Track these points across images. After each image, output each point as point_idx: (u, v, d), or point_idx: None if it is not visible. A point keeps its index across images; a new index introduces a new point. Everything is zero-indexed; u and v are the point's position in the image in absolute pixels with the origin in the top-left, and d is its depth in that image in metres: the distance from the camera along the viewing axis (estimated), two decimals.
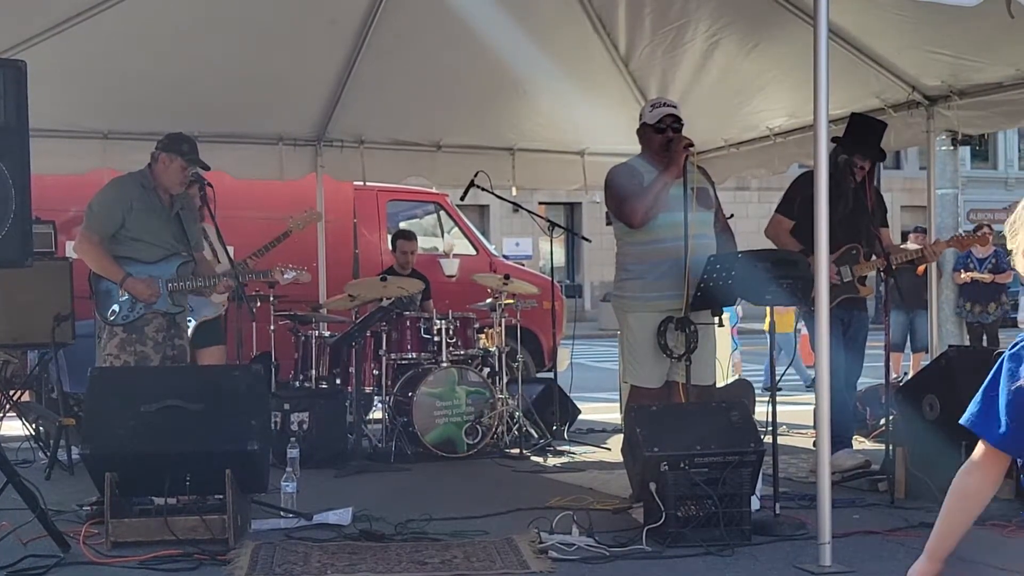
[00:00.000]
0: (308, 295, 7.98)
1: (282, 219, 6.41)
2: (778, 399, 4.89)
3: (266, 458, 4.74)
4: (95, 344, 5.60)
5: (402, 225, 9.90)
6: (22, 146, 4.24)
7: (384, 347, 7.02)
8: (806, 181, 5.20)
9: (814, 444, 4.69)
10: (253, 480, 4.57)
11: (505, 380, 7.28)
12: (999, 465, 1.84)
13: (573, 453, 7.05)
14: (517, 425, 7.20)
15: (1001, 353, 1.83)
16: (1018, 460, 1.82)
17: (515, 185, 8.81)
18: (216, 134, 7.66)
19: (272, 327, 7.44)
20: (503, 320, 7.37)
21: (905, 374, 9.70)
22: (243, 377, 4.66)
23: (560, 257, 25.58)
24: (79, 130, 7.38)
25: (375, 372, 7.06)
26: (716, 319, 5.23)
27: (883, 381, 5.81)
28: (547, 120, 8.28)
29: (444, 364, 6.95)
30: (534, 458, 6.84)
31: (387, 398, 7.01)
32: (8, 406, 6.63)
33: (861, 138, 5.91)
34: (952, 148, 11.09)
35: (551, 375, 8.24)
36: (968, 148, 27.34)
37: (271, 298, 7.28)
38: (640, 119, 5.36)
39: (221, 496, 4.40)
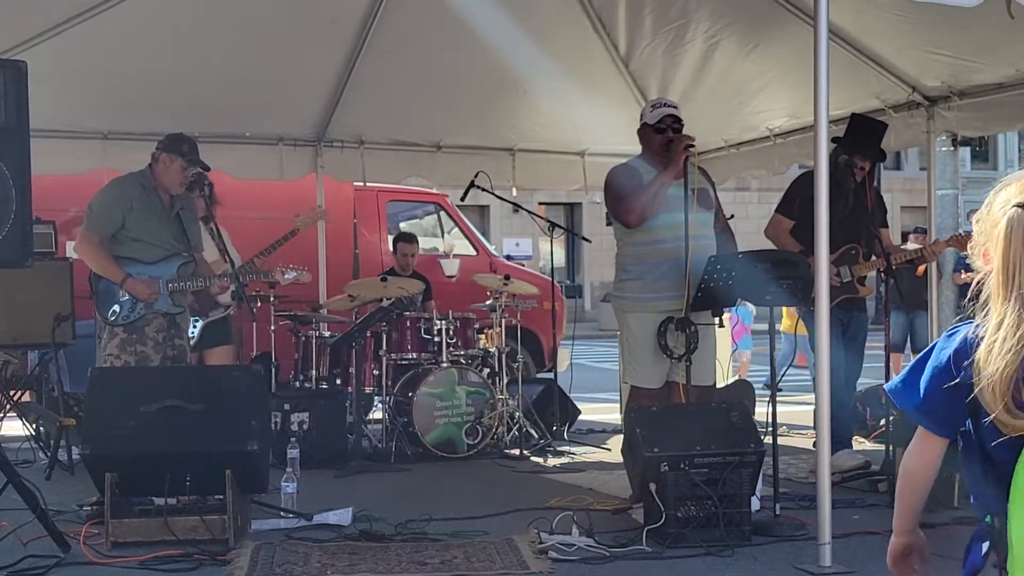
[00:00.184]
0: (308, 295, 7.98)
1: (281, 219, 6.42)
2: (778, 399, 4.89)
3: (266, 458, 4.74)
4: (95, 344, 5.61)
5: (402, 226, 9.91)
6: (22, 146, 4.24)
7: (384, 347, 7.02)
8: (806, 181, 5.20)
9: (814, 444, 4.69)
10: (253, 480, 4.57)
11: (505, 380, 7.28)
12: (934, 445, 1.88)
13: (573, 453, 7.05)
14: (517, 425, 7.20)
15: None
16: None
17: (515, 185, 8.80)
18: (216, 134, 7.65)
19: (272, 327, 7.43)
20: (503, 320, 7.37)
21: None
22: (243, 377, 4.66)
23: (560, 257, 25.58)
24: (79, 130, 7.37)
25: (375, 372, 7.06)
26: (716, 319, 5.23)
27: (883, 381, 5.81)
28: (547, 120, 8.28)
29: (444, 364, 6.95)
30: (534, 458, 6.84)
31: (387, 398, 7.01)
32: (8, 406, 6.63)
33: (861, 138, 5.91)
34: (952, 149, 11.10)
35: (551, 375, 8.24)
36: (968, 149, 27.39)
37: (271, 298, 7.27)
38: (641, 119, 5.37)
39: (221, 496, 4.40)
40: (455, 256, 10.07)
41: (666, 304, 5.07)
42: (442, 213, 10.59)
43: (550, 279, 9.37)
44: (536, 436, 7.34)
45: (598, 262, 24.27)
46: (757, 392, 7.81)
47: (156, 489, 4.42)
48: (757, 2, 6.26)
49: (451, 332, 7.03)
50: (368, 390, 7.13)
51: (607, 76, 7.62)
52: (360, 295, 7.29)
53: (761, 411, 5.99)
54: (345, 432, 6.77)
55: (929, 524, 1.93)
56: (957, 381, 1.73)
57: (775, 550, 4.32)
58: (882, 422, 6.18)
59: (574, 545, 4.33)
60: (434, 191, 10.16)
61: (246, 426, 4.44)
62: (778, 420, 4.88)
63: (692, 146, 5.08)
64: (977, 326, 1.72)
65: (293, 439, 5.71)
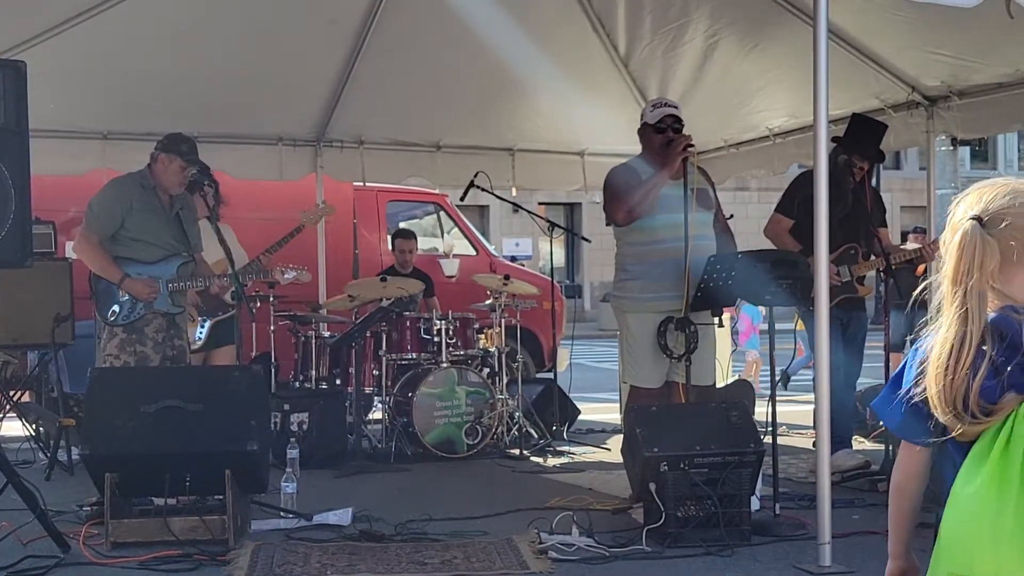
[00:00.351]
0: (308, 295, 7.98)
1: (281, 220, 6.42)
2: (778, 399, 4.89)
3: (266, 458, 4.74)
4: (95, 344, 5.61)
5: (401, 225, 9.91)
6: (22, 146, 4.24)
7: (384, 347, 7.02)
8: (805, 181, 5.20)
9: (814, 444, 4.68)
10: (253, 480, 4.57)
11: (505, 380, 7.28)
12: (914, 455, 1.90)
13: (573, 453, 7.05)
14: (517, 425, 7.19)
15: None
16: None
17: (515, 185, 8.81)
18: (216, 134, 7.66)
19: (272, 327, 7.43)
20: (503, 320, 7.37)
21: None
22: (243, 377, 4.66)
23: (560, 257, 25.58)
24: (79, 130, 7.37)
25: (375, 372, 7.06)
26: (716, 319, 5.23)
27: (883, 381, 5.81)
28: (547, 120, 8.28)
29: (444, 364, 6.95)
30: (534, 458, 6.84)
31: (387, 398, 7.01)
32: (8, 407, 6.63)
33: (861, 138, 5.91)
34: (952, 148, 11.12)
35: (551, 375, 8.24)
36: (968, 148, 27.39)
37: (271, 298, 7.27)
38: (641, 119, 5.37)
39: (221, 496, 4.40)
40: (455, 256, 10.07)
41: (666, 304, 5.06)
42: (442, 213, 10.59)
43: (550, 279, 9.38)
44: (536, 436, 7.34)
45: (598, 262, 24.26)
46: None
47: (156, 489, 4.42)
48: (757, 2, 6.26)
49: (451, 332, 7.03)
50: (368, 390, 7.13)
51: (607, 76, 7.62)
52: (360, 295, 7.29)
53: (761, 411, 5.99)
54: (345, 432, 6.77)
55: (927, 524, 1.93)
56: (921, 391, 1.76)
57: (775, 550, 4.32)
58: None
59: (574, 545, 4.33)
60: (434, 191, 10.16)
61: (246, 426, 4.43)
62: (778, 420, 4.88)
63: (691, 146, 5.07)
64: (928, 336, 1.75)
65: (293, 439, 5.71)
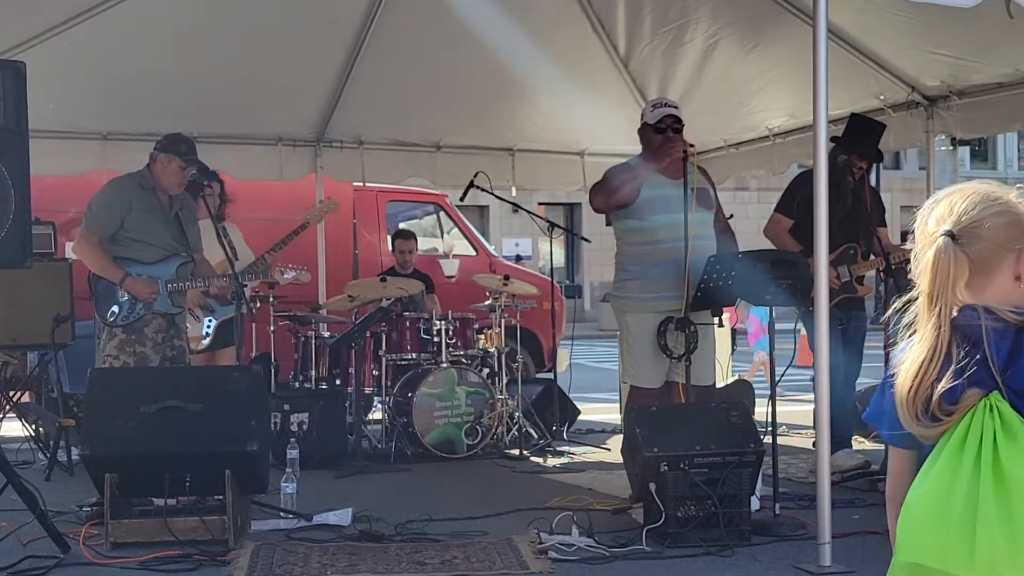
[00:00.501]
0: (308, 296, 7.98)
1: (280, 220, 6.42)
2: (778, 399, 4.89)
3: (266, 459, 4.74)
4: (95, 345, 5.61)
5: (401, 225, 9.91)
6: (22, 147, 4.24)
7: (384, 348, 7.01)
8: (805, 180, 5.20)
9: (814, 444, 4.69)
10: (253, 481, 4.57)
11: (505, 380, 7.28)
12: (901, 458, 1.88)
13: (573, 453, 7.05)
14: (517, 425, 7.19)
15: None
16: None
17: (515, 185, 8.81)
18: (216, 134, 7.66)
19: (272, 327, 7.43)
20: (503, 320, 7.37)
21: None
22: (242, 378, 4.66)
23: (560, 257, 25.57)
24: (78, 131, 7.37)
25: (375, 372, 7.06)
26: (716, 319, 5.23)
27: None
28: (547, 120, 8.27)
29: (444, 365, 6.94)
30: (534, 458, 6.84)
31: (387, 398, 7.01)
32: (8, 407, 6.63)
33: (860, 138, 5.91)
34: (952, 148, 11.12)
35: (551, 375, 8.24)
36: (967, 148, 27.37)
37: (271, 299, 7.27)
38: (641, 119, 5.37)
39: (221, 497, 4.40)
40: (454, 256, 10.07)
41: (666, 304, 5.06)
42: (441, 213, 10.59)
43: (550, 279, 9.38)
44: (536, 436, 7.33)
45: (598, 262, 24.25)
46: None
47: (156, 490, 4.42)
48: (757, 2, 6.26)
49: (450, 332, 7.03)
50: (368, 390, 7.12)
51: (607, 76, 7.62)
52: (359, 295, 7.29)
53: (761, 411, 5.99)
54: (345, 432, 6.77)
55: None
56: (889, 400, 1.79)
57: (775, 550, 4.32)
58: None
59: (574, 545, 4.33)
60: (434, 191, 10.16)
61: (246, 426, 4.43)
62: (778, 420, 4.87)
63: (691, 145, 5.07)
64: (903, 348, 1.77)
65: (293, 439, 5.71)
